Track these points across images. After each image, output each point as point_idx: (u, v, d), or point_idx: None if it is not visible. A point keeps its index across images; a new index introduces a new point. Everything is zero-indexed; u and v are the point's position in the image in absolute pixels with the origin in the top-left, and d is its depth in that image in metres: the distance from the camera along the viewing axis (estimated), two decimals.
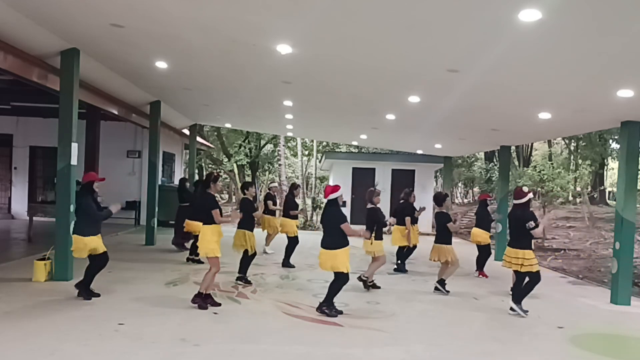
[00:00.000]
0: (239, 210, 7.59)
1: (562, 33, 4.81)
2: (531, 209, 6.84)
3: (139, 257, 9.98)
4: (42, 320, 5.48)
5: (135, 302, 6.45)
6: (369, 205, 7.74)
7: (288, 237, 9.92)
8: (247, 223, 7.74)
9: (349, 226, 6.14)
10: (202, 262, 9.12)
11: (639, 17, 4.25)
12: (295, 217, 10.16)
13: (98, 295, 6.45)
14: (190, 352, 4.75)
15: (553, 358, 5.27)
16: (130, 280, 7.61)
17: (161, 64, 8.00)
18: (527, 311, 6.66)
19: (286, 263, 9.66)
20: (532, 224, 6.53)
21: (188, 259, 9.52)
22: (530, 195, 6.89)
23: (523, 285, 6.74)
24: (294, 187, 10.63)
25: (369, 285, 7.81)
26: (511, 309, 6.71)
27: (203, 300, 6.23)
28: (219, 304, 6.33)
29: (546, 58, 5.60)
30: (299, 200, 13.25)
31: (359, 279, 7.79)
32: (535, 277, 6.63)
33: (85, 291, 6.39)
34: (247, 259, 7.83)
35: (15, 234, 12.85)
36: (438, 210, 8.13)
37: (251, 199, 8.27)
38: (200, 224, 9.14)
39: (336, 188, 6.40)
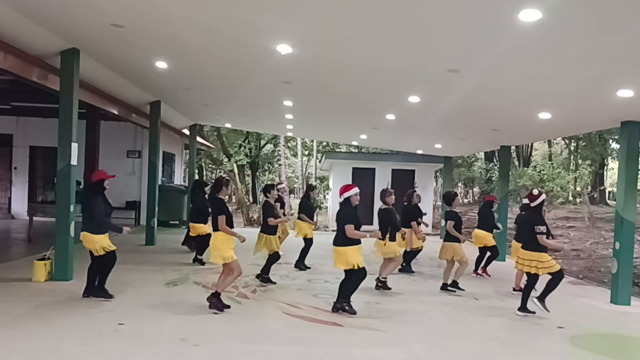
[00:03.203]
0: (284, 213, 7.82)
1: (562, 33, 4.81)
2: (542, 212, 6.79)
3: (139, 257, 9.98)
4: (42, 320, 5.48)
5: (135, 302, 6.45)
6: (383, 206, 7.62)
7: (304, 240, 9.62)
8: (269, 226, 7.90)
9: (352, 228, 6.09)
10: (203, 264, 9.17)
11: (638, 16, 4.26)
12: (310, 219, 9.85)
13: (111, 296, 6.47)
14: (190, 352, 4.75)
15: (553, 358, 5.27)
16: (130, 280, 7.60)
17: (161, 64, 8.00)
18: (549, 311, 6.59)
19: (299, 265, 9.46)
20: (540, 228, 6.44)
21: (194, 260, 9.45)
22: (543, 197, 6.83)
23: (546, 283, 6.63)
24: (310, 188, 10.33)
25: (380, 284, 7.78)
26: (534, 303, 6.62)
27: (218, 299, 6.19)
28: (228, 306, 6.25)
29: (546, 58, 5.60)
30: (298, 201, 13.12)
31: (377, 283, 7.78)
32: (558, 275, 6.53)
33: (101, 290, 6.44)
34: (271, 260, 7.93)
35: (15, 234, 12.85)
36: (449, 209, 8.17)
37: (273, 202, 8.18)
38: (203, 225, 9.24)
39: (349, 187, 6.40)
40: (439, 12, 4.65)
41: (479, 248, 9.67)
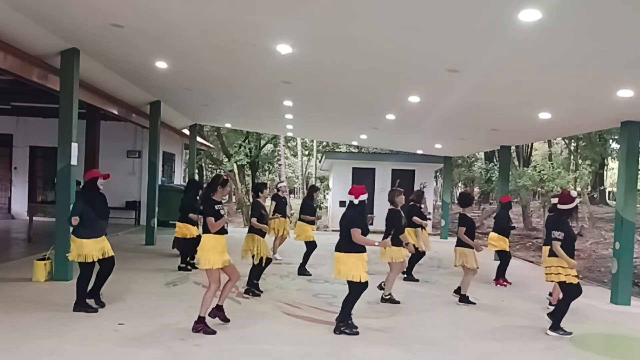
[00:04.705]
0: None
1: (562, 33, 4.81)
2: (568, 219, 5.97)
3: (139, 257, 10.00)
4: (42, 320, 5.49)
5: (135, 301, 6.45)
6: (390, 207, 7.12)
7: (306, 243, 9.17)
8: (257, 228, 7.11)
9: (358, 232, 5.43)
10: (190, 270, 8.73)
11: (638, 16, 4.26)
12: (312, 222, 9.35)
13: (96, 310, 5.97)
14: (190, 352, 4.76)
15: (553, 358, 5.27)
16: (130, 280, 7.61)
17: (161, 64, 8.00)
18: (571, 333, 5.93)
19: (302, 270, 8.97)
20: (555, 233, 5.79)
21: (179, 268, 8.88)
22: (576, 202, 5.95)
23: (555, 307, 6.15)
24: (313, 189, 9.88)
25: (386, 299, 7.13)
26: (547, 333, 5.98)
27: (205, 324, 5.33)
28: (214, 332, 5.32)
29: (546, 58, 5.60)
30: (298, 201, 13.06)
31: (382, 298, 7.13)
32: (570, 291, 5.84)
33: (84, 305, 5.88)
34: (258, 268, 7.14)
35: (15, 234, 12.85)
36: (462, 212, 7.40)
37: (264, 202, 7.63)
38: (187, 226, 8.99)
39: (363, 190, 5.70)
40: (439, 12, 4.65)
41: (498, 254, 9.10)
